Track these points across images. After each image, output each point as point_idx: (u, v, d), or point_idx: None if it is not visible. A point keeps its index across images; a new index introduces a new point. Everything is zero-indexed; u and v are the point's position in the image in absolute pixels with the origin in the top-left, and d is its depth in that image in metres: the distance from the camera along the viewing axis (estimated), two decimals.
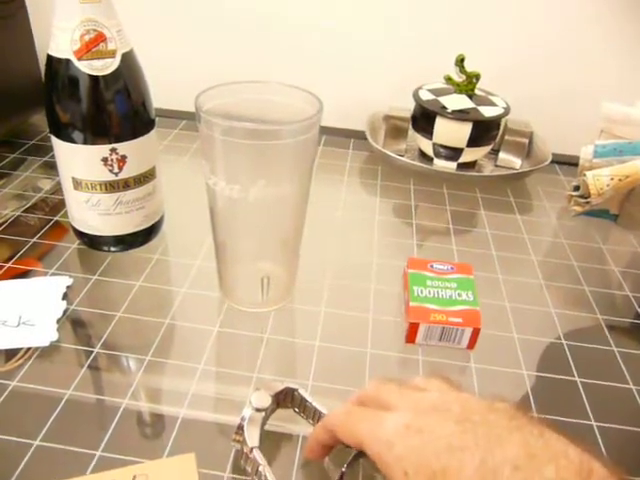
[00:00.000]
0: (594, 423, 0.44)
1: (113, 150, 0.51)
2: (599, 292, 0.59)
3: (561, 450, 0.27)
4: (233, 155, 0.43)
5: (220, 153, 0.43)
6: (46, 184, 0.70)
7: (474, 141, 0.75)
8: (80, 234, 0.57)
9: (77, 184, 0.53)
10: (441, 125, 0.75)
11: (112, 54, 0.49)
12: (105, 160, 0.51)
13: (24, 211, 0.64)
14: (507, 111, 0.76)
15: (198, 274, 0.56)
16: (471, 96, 0.76)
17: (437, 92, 0.77)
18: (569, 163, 0.81)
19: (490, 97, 0.77)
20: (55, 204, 0.65)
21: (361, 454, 0.38)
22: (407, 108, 0.81)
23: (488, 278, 0.59)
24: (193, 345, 0.48)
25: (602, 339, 0.53)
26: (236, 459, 0.39)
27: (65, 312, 0.50)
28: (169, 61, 0.86)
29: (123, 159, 0.52)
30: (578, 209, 0.70)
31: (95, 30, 0.48)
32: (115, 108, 0.51)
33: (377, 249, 0.63)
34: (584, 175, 0.67)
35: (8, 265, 0.55)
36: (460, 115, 0.73)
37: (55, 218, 0.63)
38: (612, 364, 0.50)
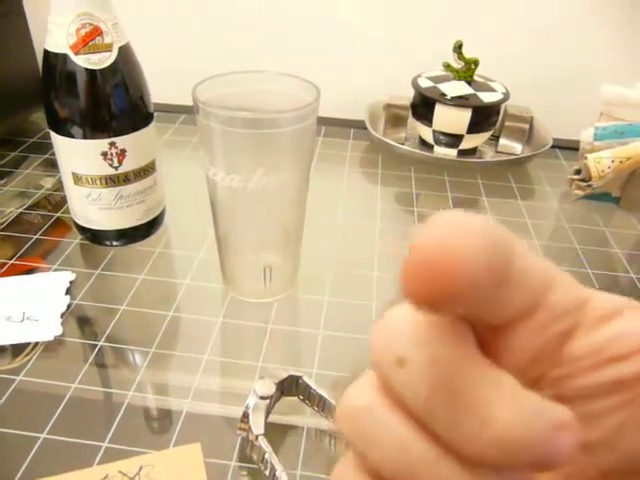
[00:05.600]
0: None
1: (112, 144, 0.51)
2: (603, 275, 0.59)
3: None
4: (232, 145, 0.43)
5: (219, 143, 0.43)
6: (48, 182, 0.70)
7: (474, 127, 0.75)
8: (82, 229, 0.57)
9: (77, 179, 0.53)
10: (441, 112, 0.75)
11: (109, 48, 0.49)
12: (105, 154, 0.51)
13: (26, 209, 0.64)
14: (506, 96, 0.75)
15: (201, 266, 0.56)
16: (470, 82, 0.76)
17: (436, 79, 0.77)
18: (570, 147, 0.81)
19: (489, 83, 0.77)
20: (57, 201, 0.65)
21: None
22: (406, 96, 0.81)
23: None
24: (197, 337, 0.48)
25: None
26: (242, 448, 0.39)
27: (69, 307, 0.50)
28: (166, 55, 0.86)
29: (123, 153, 0.52)
30: (580, 193, 0.70)
31: (91, 24, 0.48)
32: (113, 102, 0.51)
33: (379, 237, 0.63)
34: (585, 158, 0.67)
35: (11, 262, 0.55)
36: (460, 102, 0.73)
37: (57, 214, 0.63)
38: None
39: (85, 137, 0.51)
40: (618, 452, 0.17)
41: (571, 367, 0.17)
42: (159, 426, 0.41)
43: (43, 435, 0.39)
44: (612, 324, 0.17)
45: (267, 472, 0.36)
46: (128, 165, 0.53)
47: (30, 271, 0.54)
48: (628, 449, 0.16)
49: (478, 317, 0.16)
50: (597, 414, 0.17)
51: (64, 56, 0.48)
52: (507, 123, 0.81)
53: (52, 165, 0.73)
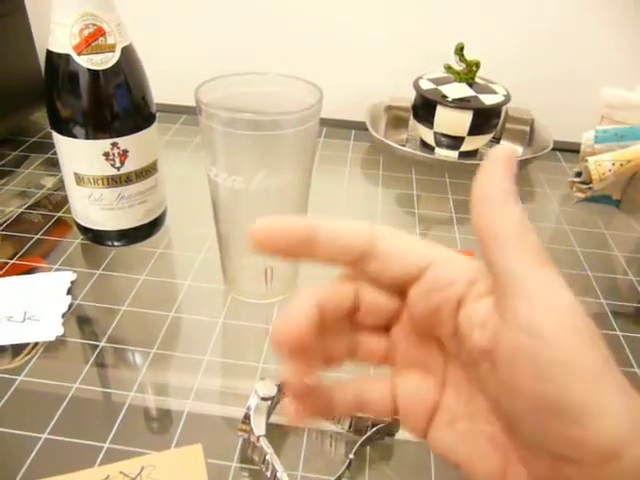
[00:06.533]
0: None
1: (114, 144, 0.51)
2: (603, 277, 0.59)
3: None
4: (234, 146, 0.43)
5: (221, 144, 0.43)
6: (49, 181, 0.70)
7: (475, 129, 0.75)
8: (83, 229, 0.57)
9: (79, 179, 0.53)
10: (442, 114, 0.75)
11: (111, 48, 0.49)
12: (107, 155, 0.51)
13: (27, 208, 0.64)
14: (508, 99, 0.75)
15: (202, 266, 0.56)
16: (471, 84, 0.76)
17: (437, 81, 0.77)
18: (571, 150, 0.81)
19: (490, 85, 0.77)
20: (58, 201, 0.65)
21: (366, 442, 0.39)
22: (408, 98, 0.81)
23: None
24: (198, 337, 0.49)
25: (606, 324, 0.53)
26: (243, 449, 0.39)
27: (70, 307, 0.50)
28: (168, 56, 0.86)
29: (125, 153, 0.52)
30: (580, 195, 0.70)
31: (94, 24, 0.48)
32: (116, 102, 0.51)
33: None
34: (586, 161, 0.67)
35: (12, 262, 0.55)
36: (461, 104, 0.73)
37: (58, 214, 0.63)
38: (617, 348, 0.50)
39: (87, 137, 0.51)
40: (504, 412, 0.21)
41: (461, 330, 0.22)
42: (160, 427, 0.41)
43: (44, 435, 0.39)
44: (486, 300, 0.21)
45: (268, 473, 0.36)
46: (130, 165, 0.53)
47: (31, 271, 0.54)
48: (510, 411, 0.21)
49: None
50: (484, 376, 0.21)
51: (67, 56, 0.48)
52: (508, 125, 0.81)
53: (53, 164, 0.73)
